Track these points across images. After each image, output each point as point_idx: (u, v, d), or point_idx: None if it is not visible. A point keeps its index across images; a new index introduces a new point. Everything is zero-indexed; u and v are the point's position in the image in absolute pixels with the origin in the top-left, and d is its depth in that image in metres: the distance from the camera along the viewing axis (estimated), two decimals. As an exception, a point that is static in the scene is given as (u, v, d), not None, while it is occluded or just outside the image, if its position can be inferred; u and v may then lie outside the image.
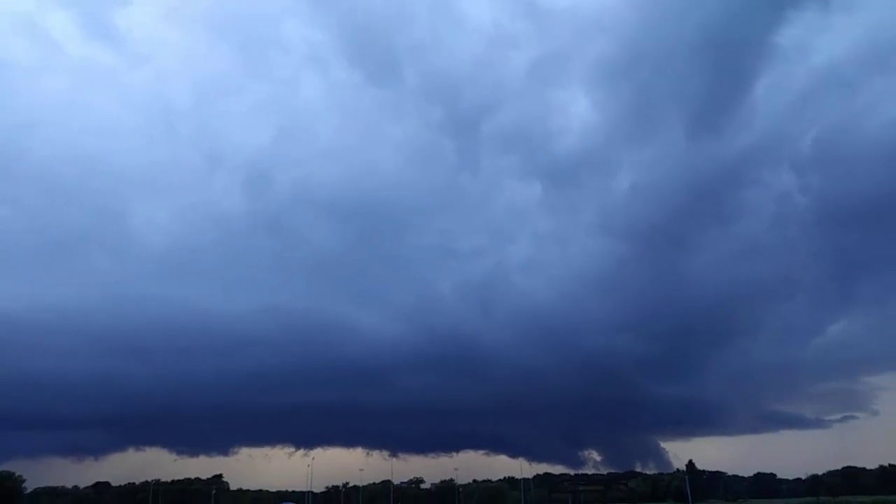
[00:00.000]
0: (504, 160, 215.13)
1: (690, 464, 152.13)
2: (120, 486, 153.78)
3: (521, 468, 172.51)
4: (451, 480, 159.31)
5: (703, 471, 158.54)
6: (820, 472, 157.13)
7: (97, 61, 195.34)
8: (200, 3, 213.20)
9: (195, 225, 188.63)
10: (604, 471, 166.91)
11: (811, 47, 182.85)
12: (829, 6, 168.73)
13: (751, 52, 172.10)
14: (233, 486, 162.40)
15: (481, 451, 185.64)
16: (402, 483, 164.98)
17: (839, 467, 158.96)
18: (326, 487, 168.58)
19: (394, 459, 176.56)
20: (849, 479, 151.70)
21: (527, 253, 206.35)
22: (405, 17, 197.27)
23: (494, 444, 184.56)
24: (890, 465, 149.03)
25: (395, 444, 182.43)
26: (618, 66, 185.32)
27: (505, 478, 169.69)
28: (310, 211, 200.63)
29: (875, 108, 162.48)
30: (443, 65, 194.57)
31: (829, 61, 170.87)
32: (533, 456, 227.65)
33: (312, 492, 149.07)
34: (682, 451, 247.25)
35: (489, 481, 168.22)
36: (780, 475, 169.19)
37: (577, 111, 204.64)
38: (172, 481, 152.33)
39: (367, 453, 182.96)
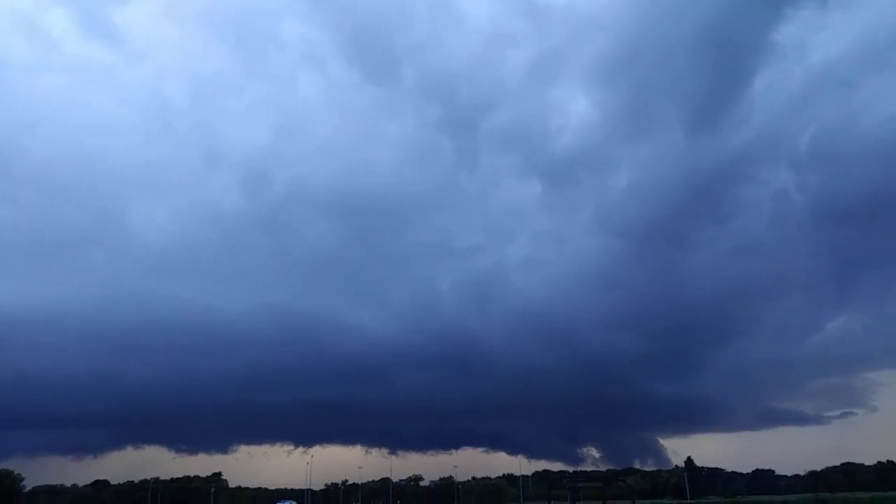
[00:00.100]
0: (502, 159, 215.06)
1: (689, 460, 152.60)
2: (119, 484, 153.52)
3: (520, 465, 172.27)
4: (450, 478, 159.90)
5: (702, 467, 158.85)
6: (818, 469, 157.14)
7: (95, 59, 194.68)
8: (198, 0, 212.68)
9: (194, 223, 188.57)
10: (603, 468, 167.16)
11: (809, 45, 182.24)
12: (826, 4, 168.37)
13: (749, 49, 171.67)
14: (232, 484, 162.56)
15: (480, 449, 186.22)
16: (401, 480, 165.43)
17: (838, 463, 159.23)
18: (325, 485, 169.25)
19: (393, 457, 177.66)
20: (847, 475, 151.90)
21: (525, 251, 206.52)
22: (403, 16, 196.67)
23: (493, 442, 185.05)
24: (888, 461, 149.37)
25: (394, 441, 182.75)
26: (616, 65, 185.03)
27: (504, 475, 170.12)
28: (308, 209, 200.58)
29: (873, 105, 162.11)
30: (441, 63, 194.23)
31: (826, 59, 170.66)
32: (532, 453, 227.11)
33: (311, 489, 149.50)
34: (680, 448, 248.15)
35: (488, 478, 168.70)
36: (778, 471, 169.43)
37: (576, 109, 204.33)
38: (171, 479, 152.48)
39: (366, 451, 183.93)
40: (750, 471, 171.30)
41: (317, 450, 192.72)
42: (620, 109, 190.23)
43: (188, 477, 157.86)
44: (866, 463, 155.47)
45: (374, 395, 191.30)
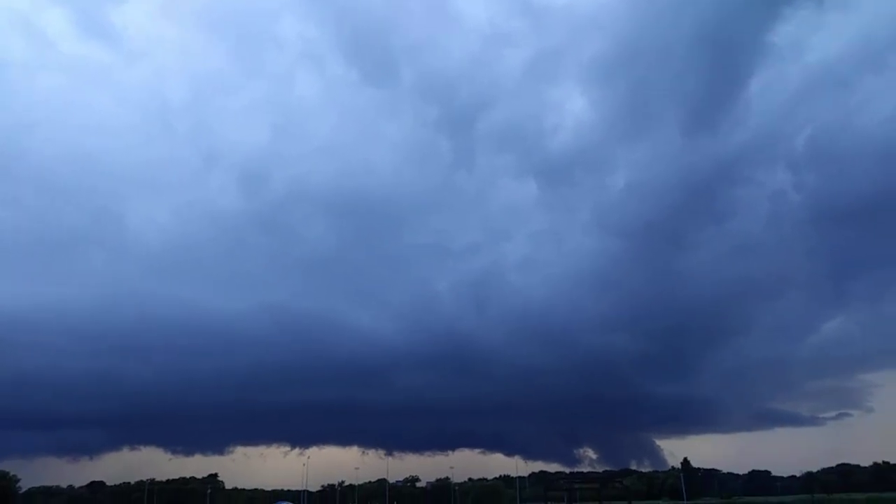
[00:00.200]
0: (500, 158, 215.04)
1: (685, 461, 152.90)
2: (115, 485, 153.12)
3: (517, 466, 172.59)
4: (447, 479, 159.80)
5: (699, 468, 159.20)
6: (815, 470, 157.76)
7: (93, 59, 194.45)
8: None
9: (192, 223, 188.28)
10: (599, 469, 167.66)
11: (806, 45, 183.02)
12: (823, 4, 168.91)
13: (746, 49, 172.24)
14: (228, 486, 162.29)
15: (477, 450, 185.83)
16: (397, 482, 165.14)
17: (834, 464, 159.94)
18: (322, 486, 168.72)
19: (389, 458, 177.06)
20: (843, 476, 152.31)
21: (523, 251, 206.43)
22: (401, 15, 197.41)
23: (490, 443, 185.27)
24: (884, 462, 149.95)
25: (391, 442, 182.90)
26: (613, 64, 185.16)
27: (500, 476, 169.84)
28: (306, 209, 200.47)
29: (869, 105, 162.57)
30: (439, 63, 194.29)
31: (824, 59, 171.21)
32: (528, 454, 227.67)
33: (308, 491, 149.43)
34: (677, 449, 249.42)
35: (485, 480, 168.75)
36: (774, 472, 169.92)
37: (573, 109, 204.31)
38: (167, 480, 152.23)
39: (363, 452, 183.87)
40: (746, 472, 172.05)
41: (313, 451, 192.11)
42: (618, 109, 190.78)
43: (184, 478, 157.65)
44: (862, 464, 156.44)
45: (371, 396, 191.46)
